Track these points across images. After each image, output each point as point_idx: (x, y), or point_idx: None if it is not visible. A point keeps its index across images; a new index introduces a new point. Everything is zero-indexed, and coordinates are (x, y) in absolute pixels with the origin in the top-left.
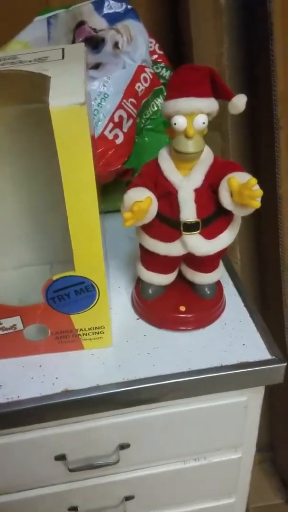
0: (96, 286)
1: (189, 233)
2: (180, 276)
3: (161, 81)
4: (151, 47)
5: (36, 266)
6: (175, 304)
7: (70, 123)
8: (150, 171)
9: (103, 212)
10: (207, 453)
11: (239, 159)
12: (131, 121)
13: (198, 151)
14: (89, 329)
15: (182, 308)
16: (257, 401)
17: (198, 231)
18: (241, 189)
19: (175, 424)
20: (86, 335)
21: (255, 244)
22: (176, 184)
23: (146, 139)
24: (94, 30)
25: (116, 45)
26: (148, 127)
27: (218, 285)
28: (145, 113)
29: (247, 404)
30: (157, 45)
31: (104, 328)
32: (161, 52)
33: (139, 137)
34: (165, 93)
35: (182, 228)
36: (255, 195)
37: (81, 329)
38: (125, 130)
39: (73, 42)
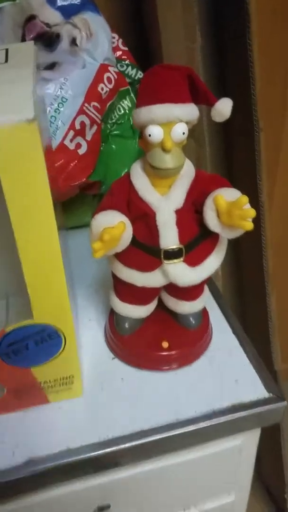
0: (61, 332)
1: (171, 261)
2: (160, 305)
3: (128, 80)
4: (113, 43)
5: None
6: (156, 339)
7: (16, 144)
8: (122, 189)
9: (66, 228)
10: (197, 502)
11: (216, 166)
12: (95, 127)
13: (178, 166)
14: (54, 380)
15: (165, 344)
16: (253, 443)
17: (182, 259)
18: (230, 209)
19: (161, 479)
20: (51, 387)
21: (235, 256)
22: (153, 205)
23: (113, 146)
24: (47, 25)
25: (73, 41)
26: (115, 132)
27: (203, 311)
28: (110, 117)
29: (242, 448)
30: (120, 40)
31: (73, 377)
32: (126, 48)
33: (105, 144)
34: (132, 94)
35: (162, 256)
36: (246, 215)
37: (45, 382)
38: (88, 138)
39: (23, 39)
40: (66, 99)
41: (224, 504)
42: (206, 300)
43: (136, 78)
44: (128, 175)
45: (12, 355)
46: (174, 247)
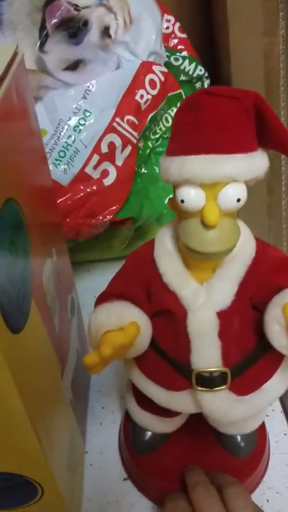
0: (35, 481)
1: (207, 389)
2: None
3: (183, 78)
4: (168, 27)
5: None
6: (185, 468)
7: None
8: (140, 269)
9: (95, 261)
10: None
11: None
12: (128, 149)
13: (227, 249)
14: None
15: None
16: None
17: (225, 387)
18: None
19: None
20: None
21: None
22: (185, 300)
23: (156, 168)
24: (75, 6)
25: (106, 31)
26: (159, 150)
27: (259, 428)
28: (154, 131)
29: None
30: (177, 24)
31: None
32: (184, 36)
33: (145, 165)
34: None
35: (194, 381)
36: None
37: None
38: (119, 163)
39: (43, 26)
40: (91, 113)
41: None
42: (265, 415)
43: (195, 75)
44: (150, 247)
45: None
46: (214, 369)
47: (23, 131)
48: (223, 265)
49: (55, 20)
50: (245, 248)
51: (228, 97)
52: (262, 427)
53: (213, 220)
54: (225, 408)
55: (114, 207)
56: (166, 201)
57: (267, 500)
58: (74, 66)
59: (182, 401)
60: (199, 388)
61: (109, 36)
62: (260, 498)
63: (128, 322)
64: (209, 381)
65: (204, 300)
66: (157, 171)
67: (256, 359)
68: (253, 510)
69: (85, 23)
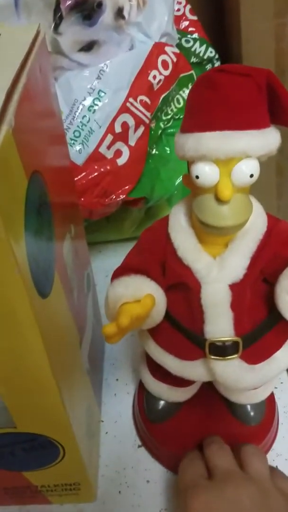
0: (57, 442)
1: (220, 358)
2: (207, 383)
3: (194, 60)
4: (179, 9)
5: None
6: (197, 435)
7: None
8: (155, 243)
9: (106, 242)
10: None
11: None
12: (141, 129)
13: (240, 223)
14: (55, 485)
15: None
16: None
17: (237, 355)
18: None
19: None
20: (51, 491)
21: None
22: (198, 273)
23: (167, 149)
24: None
25: (119, 12)
26: (171, 131)
27: (268, 398)
28: (165, 112)
29: None
30: (188, 7)
31: (79, 484)
32: (194, 18)
33: (157, 146)
34: None
35: (207, 350)
36: None
37: (42, 486)
38: (132, 143)
39: (57, 8)
40: (105, 93)
41: None
42: (274, 385)
43: (206, 57)
44: (164, 222)
45: None
46: (226, 339)
47: (46, 110)
48: (235, 239)
49: (69, 2)
50: (257, 223)
51: (242, 75)
52: (271, 398)
53: (227, 195)
54: (237, 376)
55: (127, 187)
56: (177, 182)
57: (276, 466)
58: (88, 47)
59: (195, 370)
60: (212, 357)
61: (123, 18)
62: (270, 464)
63: (144, 294)
64: (221, 350)
65: (217, 273)
66: (168, 152)
67: (267, 330)
68: (267, 468)
69: (99, 5)
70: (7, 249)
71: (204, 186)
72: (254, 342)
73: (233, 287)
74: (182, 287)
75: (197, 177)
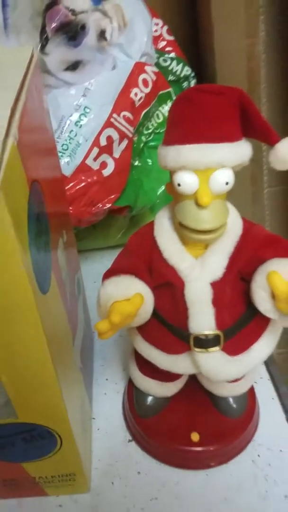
0: (56, 433)
1: (203, 350)
2: (193, 379)
3: (171, 78)
4: (156, 30)
5: None
6: (183, 428)
7: None
8: (142, 246)
9: (92, 249)
10: None
11: (277, 193)
12: (125, 142)
13: (218, 227)
14: (52, 477)
15: (195, 437)
16: None
17: (218, 348)
18: None
19: None
20: (48, 482)
21: None
22: (182, 273)
23: (149, 160)
24: (73, 12)
25: (102, 34)
26: (152, 144)
27: (249, 391)
28: (146, 127)
29: None
30: (165, 27)
31: (74, 475)
32: (171, 38)
33: (139, 159)
34: (174, 98)
35: (192, 343)
36: None
37: (40, 477)
38: (116, 155)
39: (43, 29)
40: (90, 109)
41: None
42: (254, 379)
43: (182, 75)
44: (150, 227)
45: None
46: (209, 333)
47: (41, 125)
48: (215, 242)
49: (55, 24)
50: (233, 227)
51: (217, 93)
52: (252, 392)
53: (206, 201)
54: (219, 367)
55: (112, 196)
56: (159, 191)
57: (258, 455)
58: (73, 66)
59: (181, 363)
60: (197, 350)
61: (105, 39)
62: (252, 453)
63: (134, 293)
64: (205, 343)
65: (199, 272)
66: (150, 163)
67: (245, 324)
68: None
69: (83, 27)
70: (15, 248)
71: (185, 193)
72: (234, 335)
73: (214, 284)
74: (167, 286)
75: (179, 185)
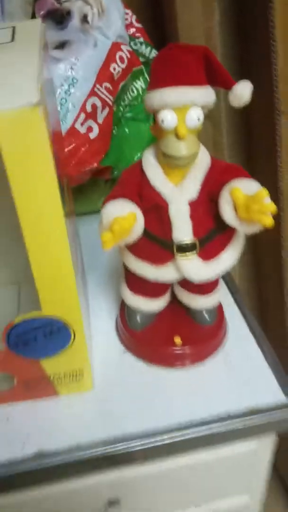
0: (70, 326)
1: (184, 256)
2: (174, 299)
3: (141, 59)
4: (127, 19)
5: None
6: (168, 335)
7: (20, 130)
8: (133, 178)
9: (77, 214)
10: (209, 501)
11: (234, 153)
12: (106, 110)
13: (192, 154)
14: (64, 373)
15: (177, 340)
16: (268, 448)
17: (195, 253)
18: (248, 203)
19: (172, 478)
20: (61, 380)
21: (252, 245)
22: (166, 196)
23: (126, 130)
24: (58, 1)
25: (84, 18)
26: (128, 115)
27: (218, 307)
28: (123, 99)
29: (257, 451)
30: (134, 17)
31: (82, 371)
32: (139, 25)
33: (118, 128)
34: (146, 75)
35: (175, 250)
36: (266, 210)
37: (54, 374)
38: (100, 121)
39: (33, 17)
40: (77, 80)
41: (238, 505)
42: (221, 295)
43: (151, 57)
44: (139, 163)
45: (21, 346)
46: (188, 240)
47: (50, 90)
48: (190, 172)
49: (43, 12)
50: (203, 159)
51: (188, 49)
52: (220, 308)
53: (183, 134)
54: (196, 270)
55: (98, 156)
56: (136, 157)
57: (228, 356)
58: (61, 45)
59: (167, 272)
60: (179, 255)
61: (88, 22)
62: (223, 358)
63: (128, 211)
64: (185, 249)
65: (179, 195)
66: (127, 132)
67: (214, 235)
68: None
69: (68, 13)
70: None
71: (167, 128)
72: (206, 243)
73: (191, 204)
74: (155, 207)
75: (162, 121)
